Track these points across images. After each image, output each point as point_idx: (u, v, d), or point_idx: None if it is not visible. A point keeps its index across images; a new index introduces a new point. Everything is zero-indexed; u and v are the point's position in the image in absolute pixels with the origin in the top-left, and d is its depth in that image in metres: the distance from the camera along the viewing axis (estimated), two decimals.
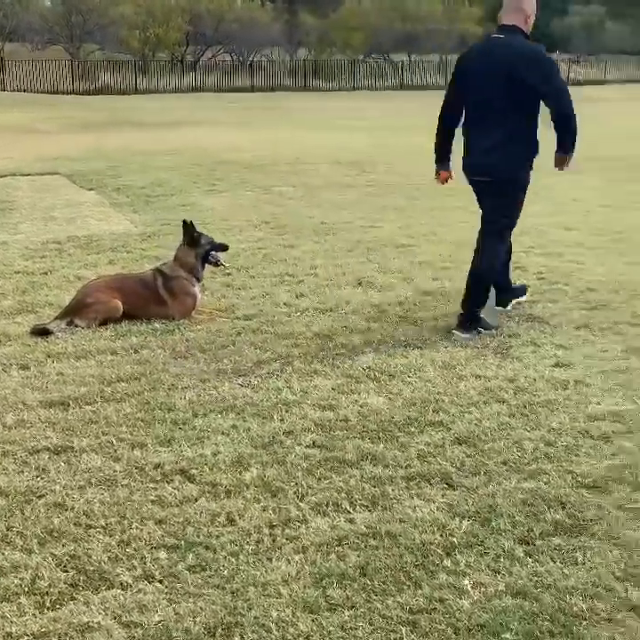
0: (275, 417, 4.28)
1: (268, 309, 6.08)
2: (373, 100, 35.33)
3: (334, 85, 44.07)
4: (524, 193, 5.63)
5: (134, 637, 2.68)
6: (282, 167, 13.64)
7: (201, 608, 2.82)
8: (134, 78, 39.80)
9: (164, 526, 3.31)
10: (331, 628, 2.71)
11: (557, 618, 2.75)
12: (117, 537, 3.24)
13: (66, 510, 3.43)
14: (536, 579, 2.96)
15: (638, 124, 23.21)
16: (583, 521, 3.31)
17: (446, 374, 4.84)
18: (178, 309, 5.83)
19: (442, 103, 5.78)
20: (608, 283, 6.82)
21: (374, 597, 2.87)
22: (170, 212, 9.90)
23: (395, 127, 21.50)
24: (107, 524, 3.33)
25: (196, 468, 3.75)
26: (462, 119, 5.64)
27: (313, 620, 2.75)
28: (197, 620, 2.76)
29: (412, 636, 2.68)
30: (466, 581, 2.94)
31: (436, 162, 5.90)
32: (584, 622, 2.73)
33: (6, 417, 4.27)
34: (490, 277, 5.72)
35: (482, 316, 5.58)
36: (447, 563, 3.05)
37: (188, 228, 6.01)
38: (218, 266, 6.18)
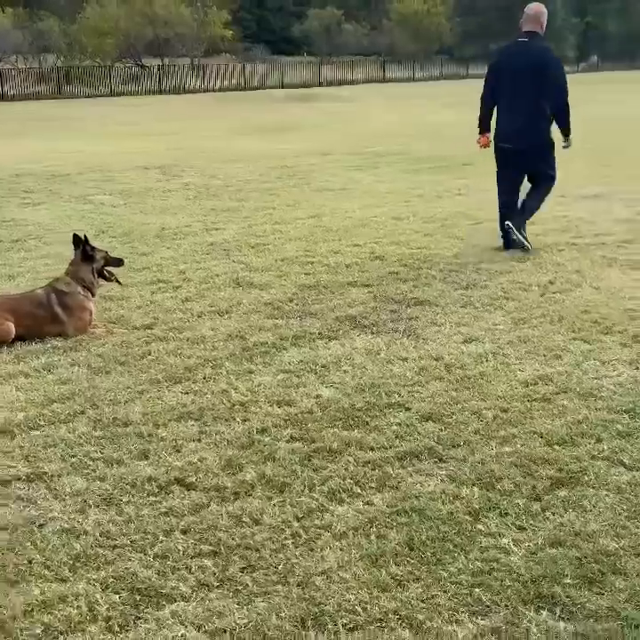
0: (237, 418, 4.29)
1: (163, 317, 6.00)
2: (138, 104, 34.83)
3: (90, 91, 42.84)
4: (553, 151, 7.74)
5: None
6: (89, 176, 13.24)
7: (278, 604, 2.84)
8: None
9: (192, 535, 3.26)
10: (412, 602, 2.84)
11: (601, 559, 3.04)
12: (151, 552, 3.16)
13: (80, 535, 3.28)
14: (564, 528, 3.24)
15: (397, 119, 24.68)
16: (572, 473, 3.65)
17: (375, 360, 5.05)
18: (75, 326, 5.61)
19: (483, 89, 7.81)
20: (464, 264, 7.33)
21: (434, 568, 3.02)
22: None
23: (177, 131, 21.45)
24: (132, 542, 3.22)
25: (191, 476, 3.70)
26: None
27: (392, 597, 2.86)
28: (282, 615, 2.78)
29: (489, 595, 2.86)
30: (505, 540, 3.15)
31: (480, 131, 8.01)
32: (623, 559, 3.04)
33: None
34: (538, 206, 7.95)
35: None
36: (480, 527, 3.26)
37: (82, 242, 5.79)
38: (110, 281, 5.98)
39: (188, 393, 4.65)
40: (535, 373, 4.77)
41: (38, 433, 4.19)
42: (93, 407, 4.47)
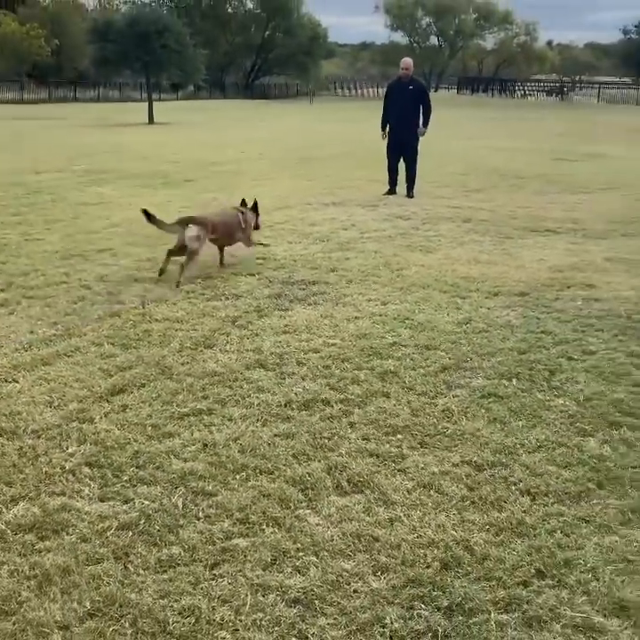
0: (292, 363, 5.55)
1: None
2: None
3: None
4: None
5: None
6: None
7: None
8: None
9: (382, 415, 4.60)
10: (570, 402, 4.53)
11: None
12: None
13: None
14: (586, 390, 5.13)
15: (66, 141, 25.06)
16: (551, 367, 5.56)
17: (337, 321, 6.50)
18: (249, 237, 8.49)
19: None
20: (310, 253, 8.94)
21: (559, 393, 4.73)
22: None
23: None
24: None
25: (325, 394, 4.96)
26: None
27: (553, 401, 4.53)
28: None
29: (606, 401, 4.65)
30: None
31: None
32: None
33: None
34: (416, 173, 13.50)
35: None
36: (555, 379, 5.03)
37: (255, 204, 8.70)
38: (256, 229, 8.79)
39: (221, 354, 5.71)
40: (459, 318, 6.58)
41: None
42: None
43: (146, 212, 7.52)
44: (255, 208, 8.70)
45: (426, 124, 13.52)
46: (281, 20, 71.95)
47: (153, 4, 54.95)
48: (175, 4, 65.75)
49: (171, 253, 7.64)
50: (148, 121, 33.32)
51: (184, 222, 7.57)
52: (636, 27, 37.29)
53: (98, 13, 54.12)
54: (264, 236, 9.70)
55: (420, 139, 13.66)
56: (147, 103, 34.41)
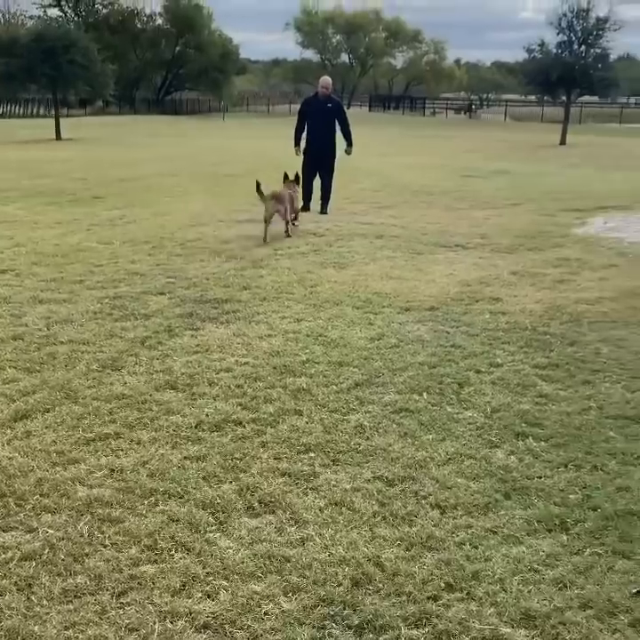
0: (204, 383, 5.51)
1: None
2: None
3: None
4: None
5: None
6: None
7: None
8: None
9: (297, 431, 4.59)
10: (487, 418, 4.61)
11: (534, 400, 5.11)
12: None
13: None
14: (493, 400, 5.24)
15: None
16: (460, 380, 5.66)
17: (250, 339, 6.49)
18: (297, 206, 11.53)
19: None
20: (223, 271, 8.90)
21: (468, 404, 4.81)
22: None
23: None
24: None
25: (236, 414, 4.94)
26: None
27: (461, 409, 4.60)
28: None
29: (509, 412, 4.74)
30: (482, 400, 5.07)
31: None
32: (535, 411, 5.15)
33: None
34: (331, 190, 13.65)
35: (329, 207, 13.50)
36: (463, 391, 5.11)
37: (297, 175, 11.84)
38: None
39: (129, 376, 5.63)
40: (371, 333, 6.64)
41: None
42: None
43: (257, 183, 10.48)
44: (297, 180, 11.77)
45: (350, 143, 13.72)
46: (191, 35, 71.63)
47: (60, 19, 53.93)
48: (83, 20, 64.77)
49: (265, 221, 10.62)
50: (55, 137, 32.68)
51: (270, 197, 10.60)
52: (539, 46, 38.21)
53: (2, 28, 52.98)
54: (176, 254, 9.65)
55: (338, 155, 13.77)
56: (54, 119, 33.74)
